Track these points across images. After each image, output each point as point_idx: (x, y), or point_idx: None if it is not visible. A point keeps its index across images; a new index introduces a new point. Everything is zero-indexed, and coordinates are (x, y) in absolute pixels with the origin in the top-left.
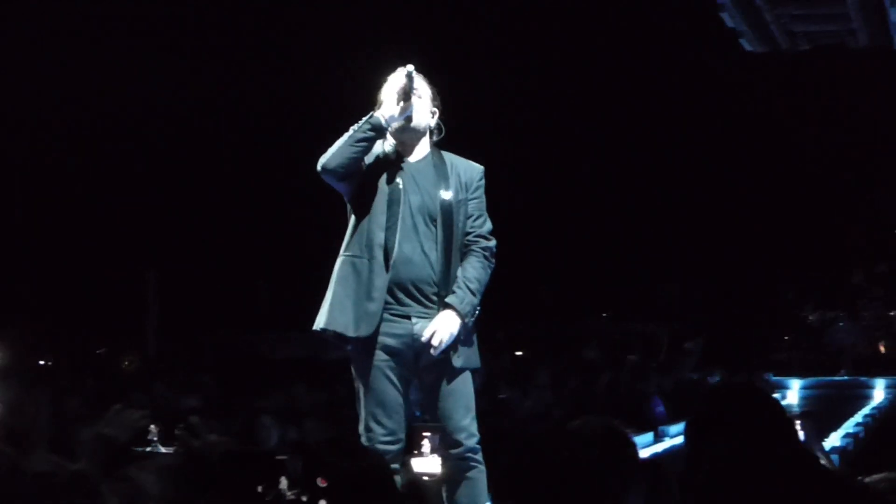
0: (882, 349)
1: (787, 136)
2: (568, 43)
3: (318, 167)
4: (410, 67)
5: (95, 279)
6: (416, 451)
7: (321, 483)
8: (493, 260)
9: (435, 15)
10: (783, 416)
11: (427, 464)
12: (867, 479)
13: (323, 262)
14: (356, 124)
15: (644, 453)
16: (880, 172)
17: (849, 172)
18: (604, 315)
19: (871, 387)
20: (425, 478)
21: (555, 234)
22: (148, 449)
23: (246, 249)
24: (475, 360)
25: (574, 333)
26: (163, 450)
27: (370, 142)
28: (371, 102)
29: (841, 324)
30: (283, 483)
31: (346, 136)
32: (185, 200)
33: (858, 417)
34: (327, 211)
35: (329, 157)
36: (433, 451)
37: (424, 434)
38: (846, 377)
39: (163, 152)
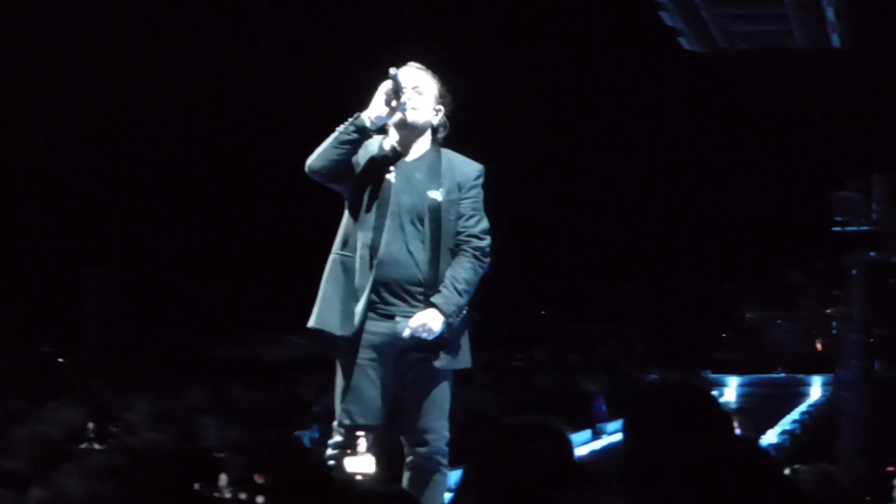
0: (819, 347)
1: (725, 135)
2: (505, 40)
3: (306, 168)
4: (394, 70)
5: (35, 277)
6: (349, 451)
7: (258, 480)
8: (487, 260)
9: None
10: (719, 413)
11: (361, 463)
12: (796, 468)
13: (266, 264)
14: (342, 125)
15: (582, 451)
16: (817, 172)
17: (787, 171)
18: (544, 314)
19: (808, 384)
20: (359, 477)
21: (500, 233)
22: (83, 445)
23: (189, 250)
24: (464, 361)
25: (518, 333)
26: (97, 447)
27: (355, 144)
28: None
29: (779, 322)
30: (223, 480)
31: (331, 137)
32: (131, 198)
33: (795, 415)
34: (272, 212)
35: (314, 158)
36: (367, 450)
37: (358, 434)
38: (783, 375)
39: (109, 148)
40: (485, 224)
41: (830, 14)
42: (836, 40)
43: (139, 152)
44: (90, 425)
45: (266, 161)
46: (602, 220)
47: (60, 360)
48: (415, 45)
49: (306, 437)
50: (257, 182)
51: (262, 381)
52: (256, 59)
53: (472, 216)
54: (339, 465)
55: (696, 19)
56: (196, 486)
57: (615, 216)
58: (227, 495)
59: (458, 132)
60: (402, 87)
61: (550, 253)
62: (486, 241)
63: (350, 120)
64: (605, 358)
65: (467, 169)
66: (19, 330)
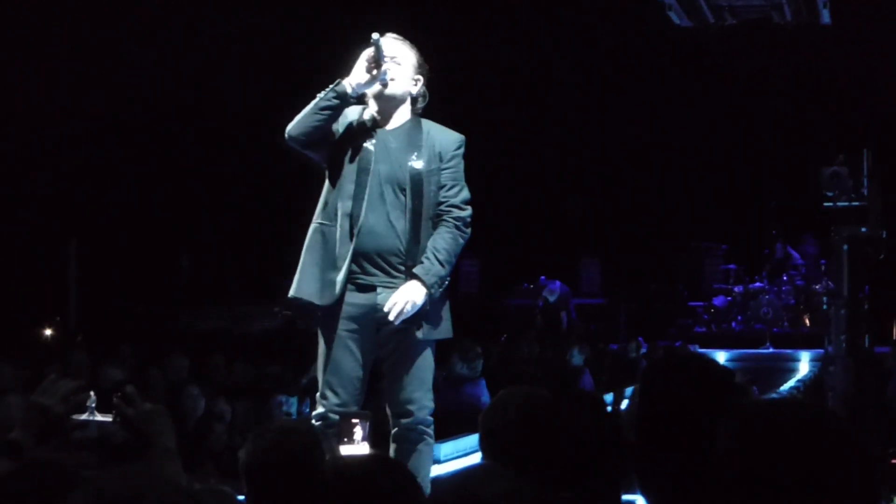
0: (807, 322)
1: (714, 110)
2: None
3: (285, 134)
4: (376, 35)
5: (15, 248)
6: (346, 440)
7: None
8: (468, 230)
9: None
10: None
11: (356, 451)
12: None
13: (245, 236)
14: (322, 92)
15: None
16: (806, 147)
17: (776, 146)
18: (529, 287)
19: (797, 360)
20: None
21: (478, 207)
22: (84, 416)
23: (167, 221)
24: (444, 332)
25: (499, 307)
26: (99, 417)
27: (335, 110)
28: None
29: (767, 297)
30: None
31: (311, 103)
32: (107, 170)
33: (784, 390)
34: (250, 184)
35: (294, 124)
36: (363, 438)
37: (354, 422)
38: (771, 350)
39: (86, 122)
40: (465, 194)
41: None
42: (826, 16)
43: (121, 123)
44: (92, 395)
45: (250, 132)
46: (589, 192)
47: (47, 331)
48: (393, 14)
49: (293, 406)
50: (241, 152)
51: (243, 353)
52: (231, 30)
53: (452, 186)
54: (325, 438)
55: None
56: None
57: (602, 189)
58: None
59: (440, 103)
60: (383, 55)
61: (530, 228)
62: (468, 212)
63: (331, 86)
64: (590, 332)
65: (447, 139)
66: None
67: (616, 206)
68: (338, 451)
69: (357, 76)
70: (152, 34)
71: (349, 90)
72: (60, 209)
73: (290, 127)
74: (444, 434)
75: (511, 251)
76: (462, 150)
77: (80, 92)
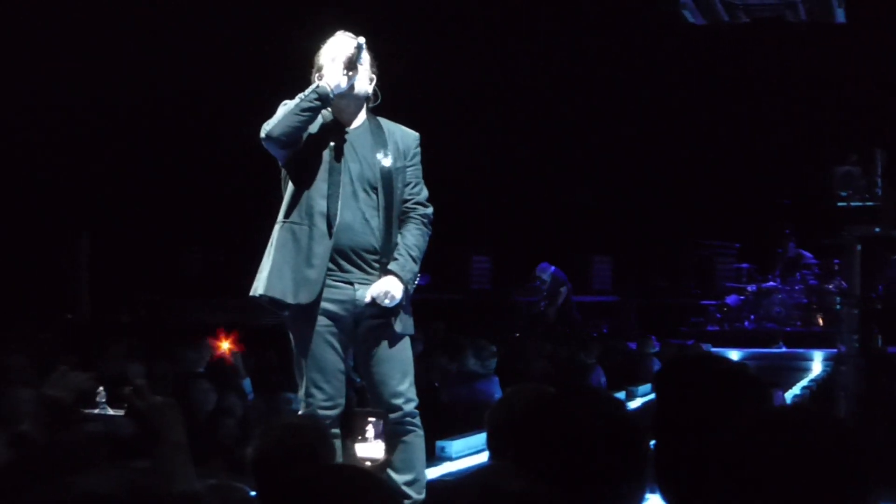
0: (820, 322)
1: (726, 109)
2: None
3: (262, 134)
4: (362, 40)
5: (27, 240)
6: (360, 437)
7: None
8: (430, 227)
9: None
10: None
11: (371, 449)
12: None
13: (255, 229)
14: (302, 93)
15: None
16: (820, 146)
17: (789, 145)
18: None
19: (809, 359)
20: (368, 463)
21: (491, 204)
22: (96, 411)
23: (177, 215)
24: (411, 327)
25: (510, 303)
26: (110, 411)
27: (316, 111)
28: (308, 68)
29: (780, 296)
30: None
31: (291, 104)
32: (118, 164)
33: (796, 389)
34: (261, 178)
35: (273, 125)
36: (377, 436)
37: (369, 420)
38: (784, 349)
39: (97, 117)
40: (426, 192)
41: None
42: (841, 15)
43: (133, 117)
44: (101, 389)
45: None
46: (600, 192)
47: (59, 323)
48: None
49: (301, 402)
50: (252, 145)
51: (251, 345)
52: (241, 24)
53: (416, 184)
54: (350, 452)
55: None
56: None
57: (612, 187)
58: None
59: (455, 100)
60: (360, 59)
61: (541, 225)
62: (431, 209)
63: (312, 88)
64: (600, 330)
65: (408, 136)
66: (11, 295)
67: (628, 204)
68: (352, 448)
69: (335, 78)
70: (164, 27)
71: (329, 91)
72: (73, 203)
73: (269, 127)
74: (456, 431)
75: (523, 248)
76: (419, 148)
77: (92, 85)
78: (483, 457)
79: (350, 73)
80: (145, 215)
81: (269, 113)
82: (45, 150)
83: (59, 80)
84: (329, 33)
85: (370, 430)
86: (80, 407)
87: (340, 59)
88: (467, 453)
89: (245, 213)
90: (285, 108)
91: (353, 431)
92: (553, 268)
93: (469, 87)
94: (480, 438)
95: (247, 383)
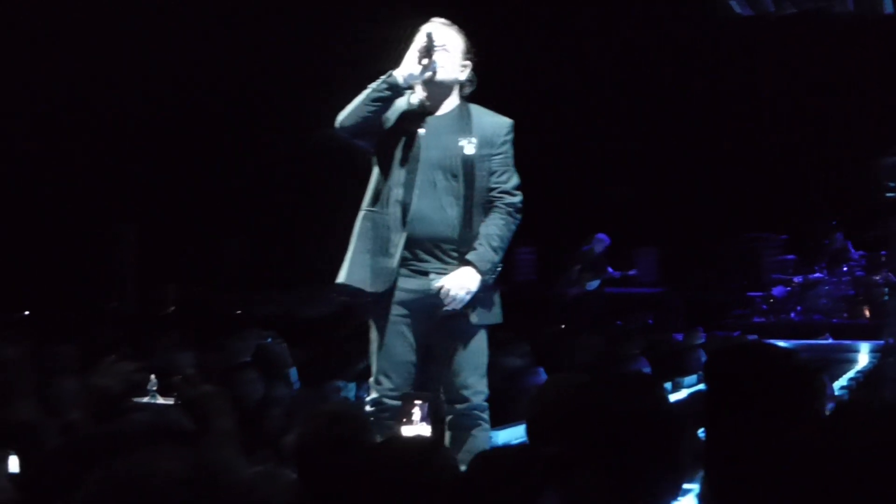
0: (867, 313)
1: (770, 99)
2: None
3: (336, 124)
4: (431, 27)
5: (75, 231)
6: (405, 420)
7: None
8: (519, 216)
9: None
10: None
11: (417, 432)
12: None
13: (300, 221)
14: (374, 82)
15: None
16: (866, 136)
17: (832, 137)
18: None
19: (856, 351)
20: None
21: (535, 195)
22: (146, 399)
23: (222, 206)
24: (495, 317)
25: (556, 294)
26: (161, 400)
27: (386, 101)
28: (380, 60)
29: (826, 287)
30: None
31: (363, 94)
32: (163, 156)
33: (843, 381)
34: (305, 170)
35: (345, 115)
36: (423, 419)
37: (415, 403)
38: (830, 341)
39: (143, 109)
40: (516, 180)
41: None
42: (889, 5)
43: (177, 109)
44: (153, 378)
45: (304, 116)
46: (642, 183)
47: (107, 314)
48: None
49: (351, 391)
50: (294, 138)
51: (298, 337)
52: (288, 15)
53: (504, 172)
54: (379, 422)
55: None
56: None
57: (655, 179)
58: None
59: (493, 91)
60: (435, 47)
61: (586, 216)
62: (519, 197)
63: (383, 77)
64: (644, 322)
65: (497, 124)
66: (59, 285)
67: (674, 196)
68: (398, 431)
69: (408, 67)
70: (208, 21)
71: (400, 81)
72: (119, 195)
73: (341, 117)
74: (501, 422)
75: (567, 239)
76: (512, 136)
77: (138, 79)
78: None
79: (426, 62)
80: (191, 206)
81: (312, 105)
82: (93, 143)
83: (109, 72)
84: (418, 21)
85: (416, 413)
86: (128, 396)
87: (415, 48)
88: (510, 443)
89: (289, 204)
90: (358, 97)
91: (399, 415)
92: (608, 241)
93: (510, 80)
94: (521, 429)
95: (293, 372)
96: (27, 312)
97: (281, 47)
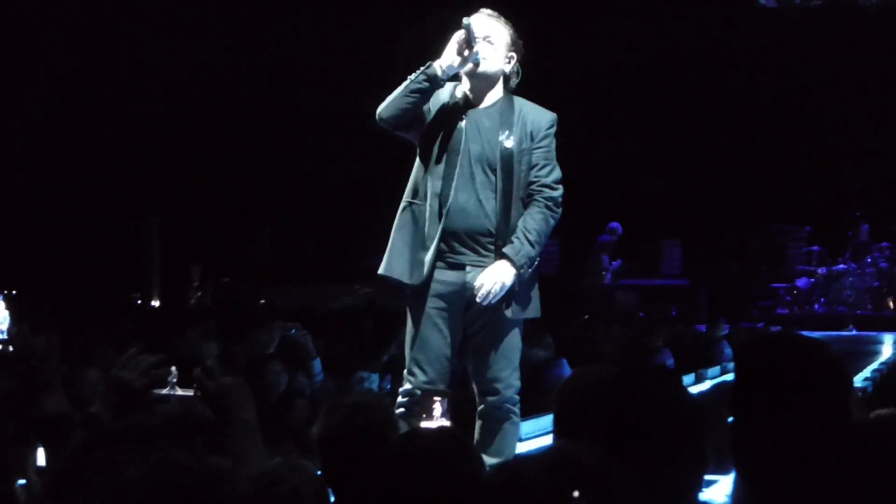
0: (891, 305)
1: (796, 92)
2: None
3: (376, 116)
4: (467, 20)
5: (99, 224)
6: (425, 416)
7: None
8: (559, 210)
9: None
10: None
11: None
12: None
13: (327, 213)
14: (413, 74)
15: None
16: (887, 129)
17: (856, 128)
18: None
19: (880, 342)
20: None
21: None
22: (165, 391)
23: (248, 199)
24: (533, 311)
25: (579, 287)
26: (180, 392)
27: (425, 93)
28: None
29: (850, 279)
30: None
31: (402, 85)
32: (189, 148)
33: (867, 372)
34: (333, 162)
35: (384, 106)
36: (442, 415)
37: (435, 399)
38: (854, 332)
39: (166, 99)
40: (557, 174)
41: None
42: None
43: (203, 103)
44: (172, 369)
45: (334, 110)
46: (667, 176)
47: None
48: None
49: (375, 382)
50: (324, 131)
51: (322, 329)
52: (324, 9)
53: (544, 165)
54: (410, 413)
55: None
56: None
57: (682, 172)
58: None
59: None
60: (475, 37)
61: (611, 209)
62: (559, 191)
63: (422, 69)
64: (668, 314)
65: (540, 117)
66: (84, 278)
67: (698, 188)
68: (418, 426)
69: (448, 58)
70: (239, 15)
71: (439, 73)
72: (143, 188)
73: (380, 109)
74: (524, 413)
75: (591, 232)
76: (554, 129)
77: (163, 72)
78: (549, 439)
79: (466, 54)
80: (214, 198)
81: (338, 95)
82: (119, 137)
83: (133, 65)
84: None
85: (436, 409)
86: (150, 388)
87: (455, 39)
88: (537, 434)
89: (316, 197)
90: (397, 89)
91: (419, 411)
92: (620, 231)
93: (544, 72)
94: (547, 420)
95: (317, 364)
96: (53, 304)
97: (315, 40)
